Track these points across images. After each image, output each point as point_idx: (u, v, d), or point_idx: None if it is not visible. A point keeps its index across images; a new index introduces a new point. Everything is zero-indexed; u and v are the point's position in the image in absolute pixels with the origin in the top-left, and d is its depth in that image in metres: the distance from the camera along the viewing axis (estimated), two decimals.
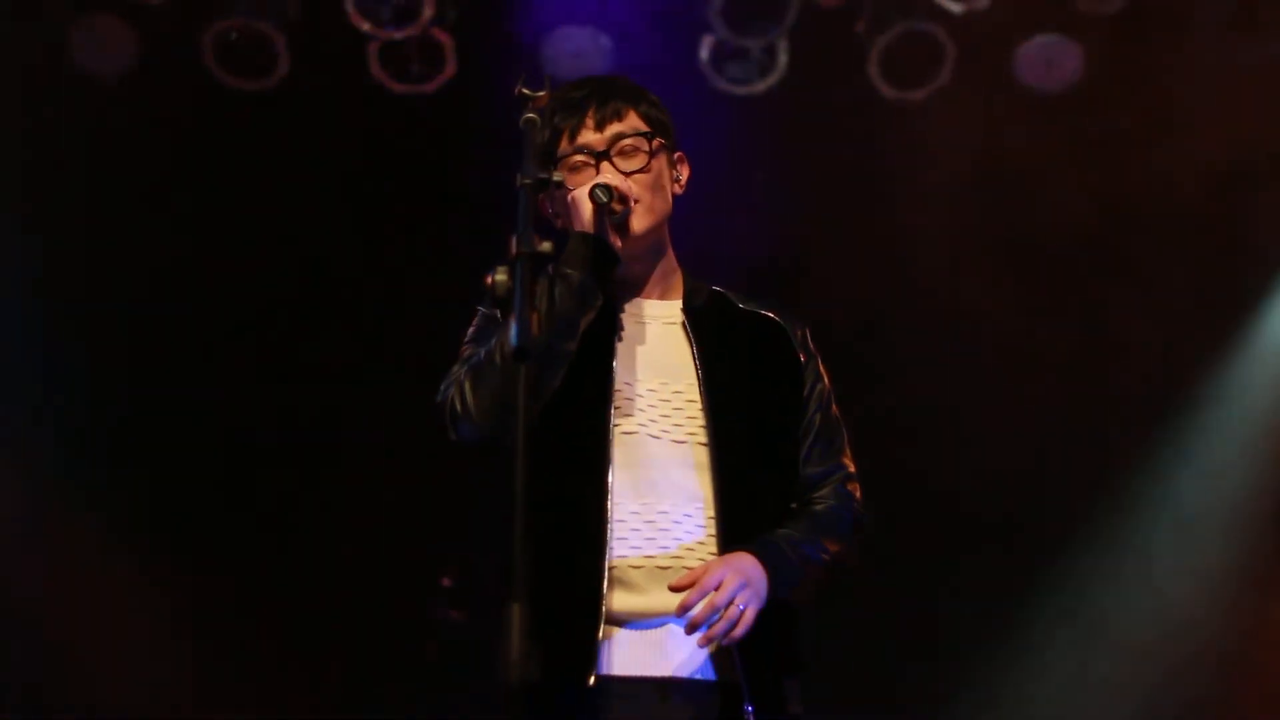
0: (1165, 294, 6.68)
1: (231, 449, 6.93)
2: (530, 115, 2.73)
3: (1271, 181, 6.64)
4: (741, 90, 6.64)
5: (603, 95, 3.11)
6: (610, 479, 2.96)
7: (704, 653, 2.93)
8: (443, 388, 3.05)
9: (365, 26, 6.58)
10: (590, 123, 3.08)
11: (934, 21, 6.56)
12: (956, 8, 6.55)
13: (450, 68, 6.68)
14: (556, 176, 2.63)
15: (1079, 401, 6.81)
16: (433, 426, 7.20)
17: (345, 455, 6.93)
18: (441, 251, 6.61)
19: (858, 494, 3.15)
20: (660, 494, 2.98)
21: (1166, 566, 6.77)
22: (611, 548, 2.95)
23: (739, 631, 2.84)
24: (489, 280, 2.45)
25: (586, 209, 2.98)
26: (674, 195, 3.16)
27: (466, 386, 2.98)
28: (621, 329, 3.08)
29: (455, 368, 3.04)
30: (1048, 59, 6.67)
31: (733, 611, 2.83)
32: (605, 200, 2.95)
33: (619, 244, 3.02)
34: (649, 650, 2.93)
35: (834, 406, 3.18)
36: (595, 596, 2.92)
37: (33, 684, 6.76)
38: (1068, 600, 6.79)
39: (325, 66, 6.68)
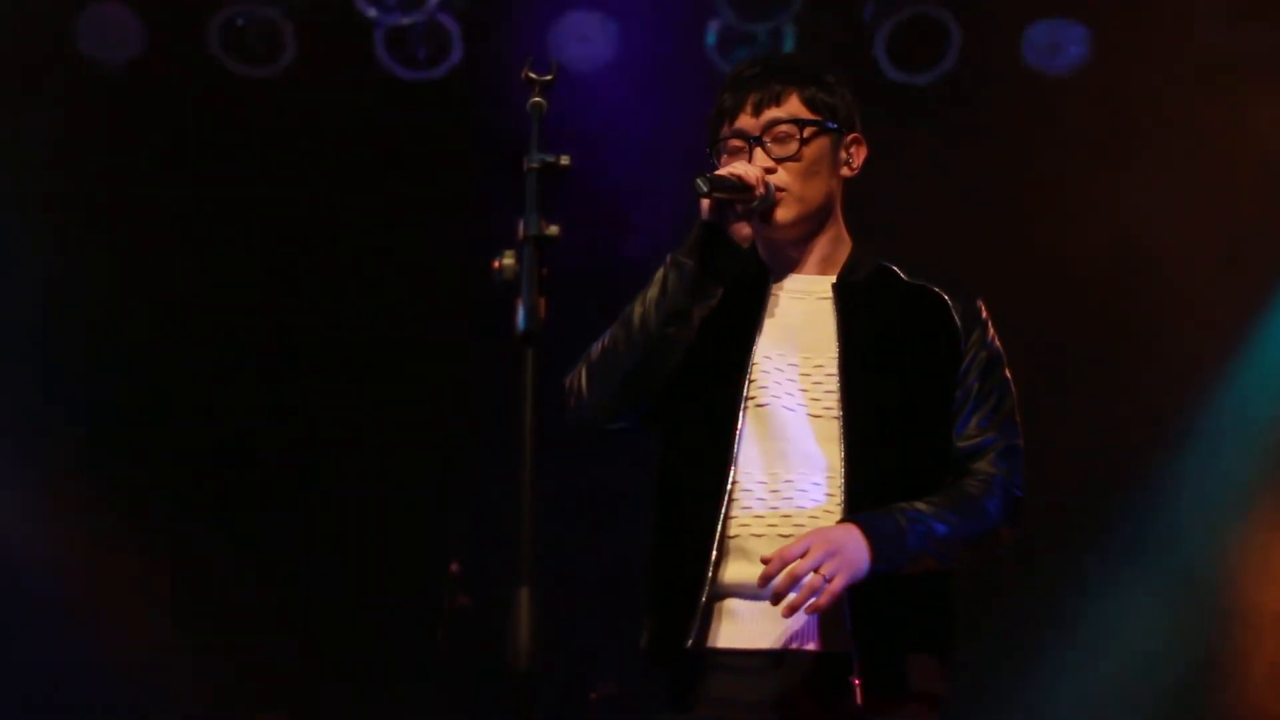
0: (1175, 286, 6.68)
1: (239, 439, 6.94)
2: (537, 99, 2.72)
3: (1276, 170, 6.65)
4: None
5: (766, 78, 3.10)
6: (736, 450, 2.97)
7: (817, 624, 2.90)
8: (576, 366, 3.11)
9: (372, 12, 6.58)
10: (749, 107, 3.09)
11: (940, 4, 6.57)
12: None
13: (457, 53, 6.68)
14: (563, 160, 2.61)
15: (1092, 402, 6.79)
16: (443, 412, 7.23)
17: (354, 441, 6.94)
18: (449, 237, 6.61)
19: (1016, 468, 3.05)
20: (789, 465, 2.97)
21: (1176, 568, 6.76)
22: (734, 517, 2.96)
23: (823, 601, 2.79)
24: (496, 264, 2.45)
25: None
26: (844, 177, 3.15)
27: (584, 368, 3.06)
28: (770, 303, 3.09)
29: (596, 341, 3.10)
30: (1053, 42, 6.66)
31: (815, 581, 2.79)
32: (705, 190, 2.93)
33: (747, 231, 3.01)
34: (763, 621, 2.91)
35: (1003, 379, 3.10)
36: (703, 565, 2.93)
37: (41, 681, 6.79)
38: (1076, 603, 6.78)
39: (332, 53, 6.68)
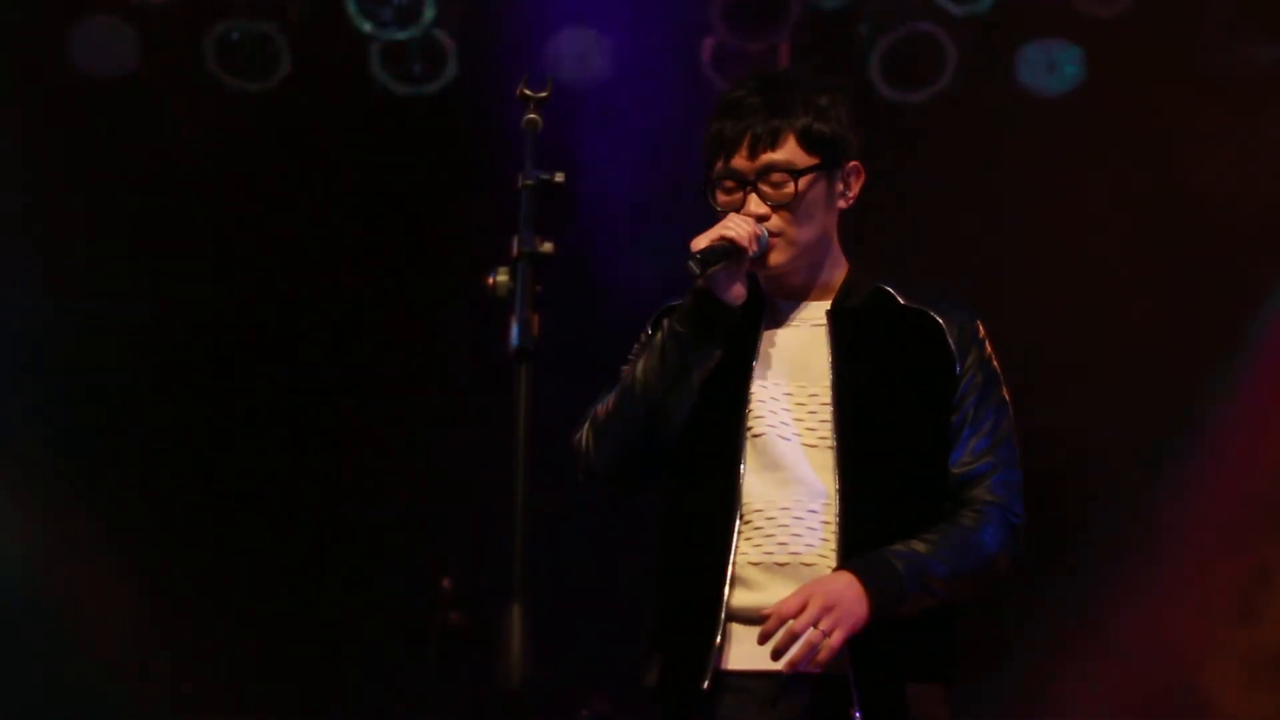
0: (1171, 297, 6.68)
1: (232, 451, 6.93)
2: (532, 116, 2.71)
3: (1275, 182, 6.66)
4: None
5: (764, 113, 3.05)
6: (740, 481, 2.98)
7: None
8: (583, 426, 3.10)
9: (367, 27, 6.58)
10: (745, 148, 3.04)
11: (935, 23, 6.57)
12: (958, 10, 6.55)
13: (452, 69, 6.69)
14: (558, 177, 2.60)
15: (1086, 403, 6.79)
16: (432, 429, 7.22)
17: (345, 458, 6.93)
18: (443, 253, 6.61)
19: (1014, 494, 3.03)
20: (786, 493, 2.97)
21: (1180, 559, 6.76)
22: (736, 548, 2.96)
23: (823, 657, 2.81)
24: (490, 281, 2.44)
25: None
26: (839, 208, 3.13)
27: (590, 432, 3.06)
28: (766, 332, 3.09)
29: (601, 397, 3.09)
30: (1049, 62, 6.67)
31: (815, 636, 2.80)
32: (698, 272, 2.92)
33: (740, 290, 2.99)
34: (757, 640, 2.89)
35: (1000, 401, 3.07)
36: (716, 601, 2.93)
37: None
38: (1080, 623, 6.77)
39: (327, 68, 6.68)
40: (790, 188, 3.02)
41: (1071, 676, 6.71)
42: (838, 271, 3.15)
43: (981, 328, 3.13)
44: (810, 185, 3.04)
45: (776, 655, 2.81)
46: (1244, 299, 6.82)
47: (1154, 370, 6.70)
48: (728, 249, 2.94)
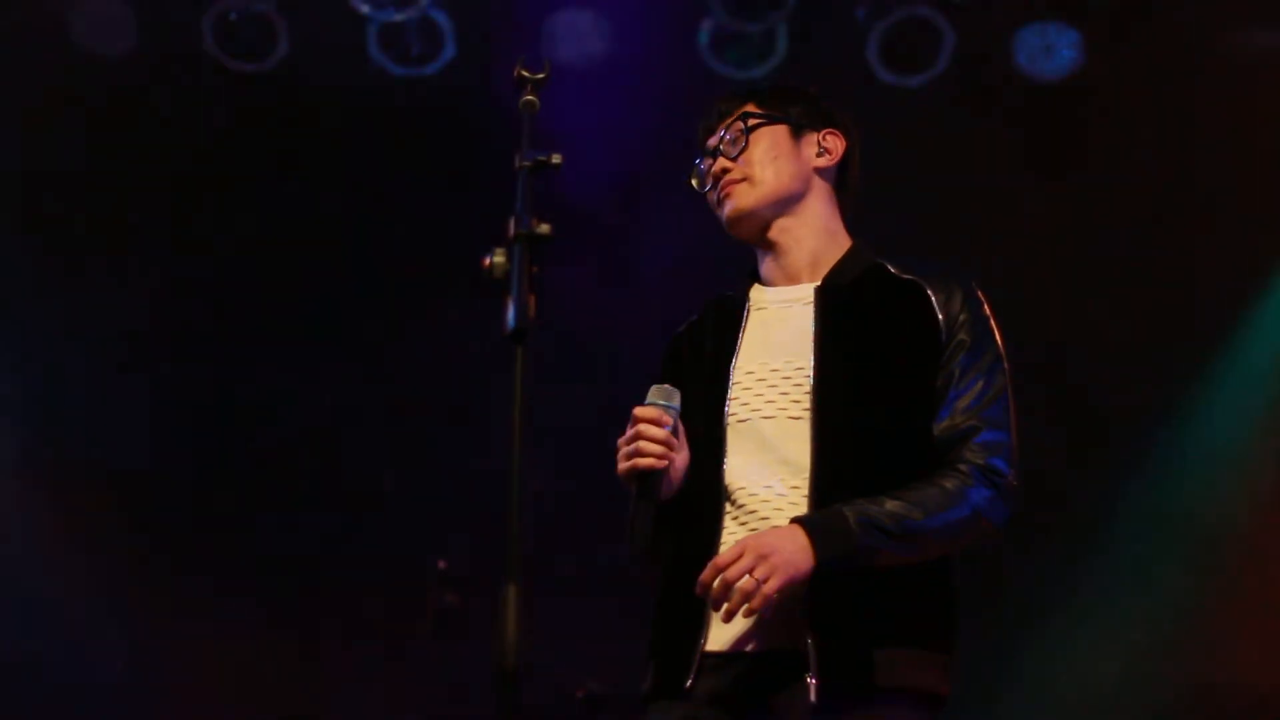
0: (1162, 286, 6.70)
1: (227, 431, 6.94)
2: (529, 97, 2.72)
3: (1265, 170, 6.66)
4: (740, 74, 6.64)
5: (726, 99, 3.30)
6: (724, 471, 3.02)
7: (780, 623, 2.89)
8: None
9: (365, 8, 6.58)
10: (707, 129, 3.29)
11: (932, 7, 6.58)
12: None
13: (450, 50, 6.69)
14: (555, 159, 2.61)
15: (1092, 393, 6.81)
16: (432, 408, 7.20)
17: (340, 437, 6.94)
18: (441, 234, 6.62)
19: (999, 456, 2.98)
20: (770, 473, 2.99)
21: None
22: (726, 531, 2.99)
23: (756, 604, 2.80)
24: (486, 262, 2.45)
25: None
26: (821, 166, 3.24)
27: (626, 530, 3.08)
28: (755, 315, 3.15)
29: None
30: (1046, 46, 6.68)
31: (748, 584, 2.79)
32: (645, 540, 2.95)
33: (668, 476, 3.01)
34: (744, 622, 2.90)
35: (991, 366, 3.05)
36: (699, 612, 2.95)
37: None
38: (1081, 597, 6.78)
39: (325, 48, 6.68)
40: (742, 138, 3.19)
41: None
42: (834, 248, 3.20)
43: (979, 294, 3.12)
44: (760, 127, 3.22)
45: (715, 606, 2.83)
46: (1247, 286, 6.84)
47: (1143, 361, 6.72)
48: (648, 478, 2.95)
